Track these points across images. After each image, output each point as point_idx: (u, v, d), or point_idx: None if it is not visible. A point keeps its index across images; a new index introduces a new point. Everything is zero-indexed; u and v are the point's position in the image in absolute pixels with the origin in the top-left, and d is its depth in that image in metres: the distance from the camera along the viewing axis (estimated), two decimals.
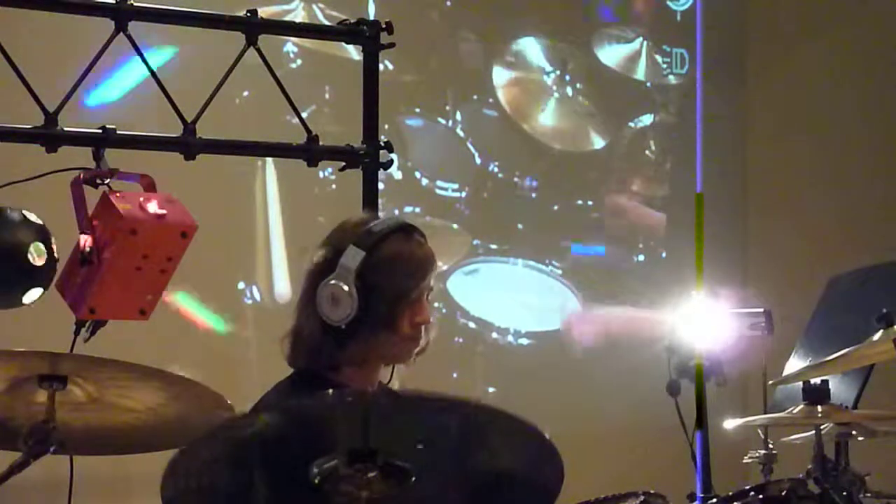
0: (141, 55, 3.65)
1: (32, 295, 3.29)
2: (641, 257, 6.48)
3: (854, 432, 3.82)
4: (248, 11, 3.85)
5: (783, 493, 3.54)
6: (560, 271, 6.21)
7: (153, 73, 3.68)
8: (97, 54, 3.59)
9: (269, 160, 5.43)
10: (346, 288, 2.99)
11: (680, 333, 4.01)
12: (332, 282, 3.00)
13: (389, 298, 3.01)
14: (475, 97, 6.15)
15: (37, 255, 3.26)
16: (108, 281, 3.21)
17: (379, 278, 3.00)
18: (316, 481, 2.26)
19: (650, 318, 5.72)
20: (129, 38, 3.61)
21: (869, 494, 3.69)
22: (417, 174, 5.93)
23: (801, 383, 3.68)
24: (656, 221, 6.50)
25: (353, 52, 5.10)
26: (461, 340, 5.99)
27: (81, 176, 3.29)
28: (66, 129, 3.53)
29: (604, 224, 6.42)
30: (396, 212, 5.73)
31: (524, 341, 6.13)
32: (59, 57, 4.09)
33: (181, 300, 5.16)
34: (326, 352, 3.03)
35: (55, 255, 3.29)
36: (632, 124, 6.52)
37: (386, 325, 3.02)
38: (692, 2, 6.37)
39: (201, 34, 4.03)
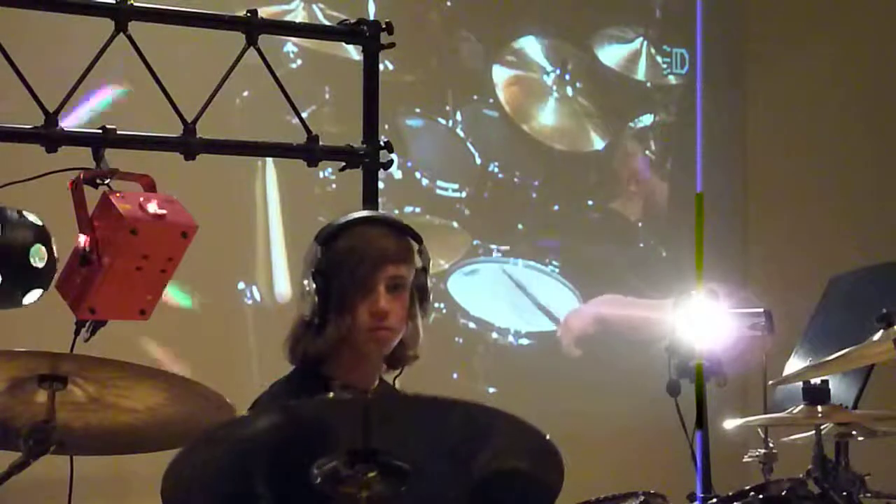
0: (141, 55, 3.65)
1: (33, 296, 3.30)
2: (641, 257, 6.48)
3: (854, 432, 3.82)
4: (248, 11, 3.85)
5: (783, 493, 3.54)
6: (560, 271, 6.21)
7: (153, 73, 3.68)
8: (97, 54, 3.59)
9: (269, 160, 5.43)
10: (306, 283, 3.03)
11: (680, 333, 4.00)
12: (303, 279, 3.06)
13: (342, 289, 3.04)
14: (475, 97, 6.14)
15: (38, 258, 3.27)
16: (108, 281, 3.21)
17: (333, 271, 3.05)
18: (316, 482, 2.27)
19: (650, 318, 5.72)
20: (129, 38, 3.62)
21: (869, 494, 3.68)
22: (417, 174, 5.92)
23: (801, 383, 3.67)
24: (656, 214, 6.50)
25: (353, 52, 5.09)
26: (461, 340, 5.99)
27: (81, 176, 3.29)
28: (66, 129, 3.53)
29: (604, 224, 6.41)
30: (396, 212, 5.73)
31: (524, 341, 6.12)
32: (59, 57, 4.09)
33: (181, 300, 5.16)
34: (303, 346, 3.08)
35: (55, 256, 3.30)
36: (632, 124, 6.51)
37: (346, 316, 3.04)
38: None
39: (201, 34, 4.02)
